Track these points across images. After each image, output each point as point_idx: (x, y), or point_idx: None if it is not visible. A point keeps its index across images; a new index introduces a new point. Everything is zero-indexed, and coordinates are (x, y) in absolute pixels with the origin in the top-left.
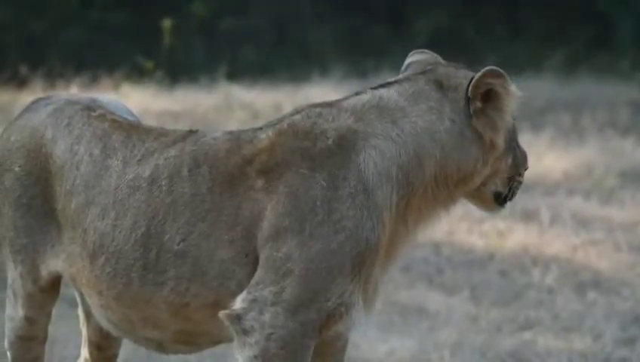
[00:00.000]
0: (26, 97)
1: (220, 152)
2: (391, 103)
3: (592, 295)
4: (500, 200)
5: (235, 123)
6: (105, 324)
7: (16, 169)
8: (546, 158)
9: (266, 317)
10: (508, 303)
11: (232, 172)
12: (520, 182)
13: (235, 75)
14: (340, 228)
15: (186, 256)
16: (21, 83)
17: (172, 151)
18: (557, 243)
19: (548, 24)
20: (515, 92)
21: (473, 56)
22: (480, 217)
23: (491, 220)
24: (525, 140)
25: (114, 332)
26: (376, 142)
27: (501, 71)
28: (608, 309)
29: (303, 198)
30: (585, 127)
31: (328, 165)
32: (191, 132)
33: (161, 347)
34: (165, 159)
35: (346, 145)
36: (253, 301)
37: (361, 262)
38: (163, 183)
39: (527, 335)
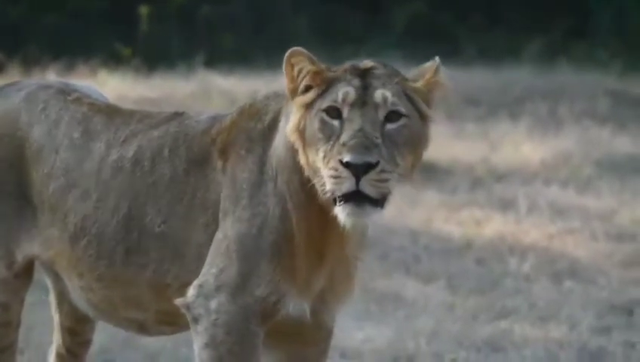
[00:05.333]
0: (1, 83)
1: (198, 133)
2: None
3: (568, 283)
4: (332, 199)
5: (212, 110)
6: (84, 307)
7: None
8: (524, 147)
9: (212, 303)
10: (484, 292)
11: (202, 152)
12: (333, 176)
13: (213, 62)
14: (257, 213)
15: (166, 238)
16: None
17: (156, 133)
18: (534, 231)
19: (526, 13)
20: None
21: (451, 46)
22: (457, 205)
23: (469, 208)
24: (503, 129)
25: (93, 314)
26: (282, 123)
27: (290, 53)
28: (585, 298)
29: (238, 181)
30: (563, 117)
31: (259, 147)
32: (176, 114)
33: (142, 328)
34: (149, 140)
35: (273, 128)
36: (200, 286)
37: (278, 251)
38: (145, 164)
39: (503, 324)
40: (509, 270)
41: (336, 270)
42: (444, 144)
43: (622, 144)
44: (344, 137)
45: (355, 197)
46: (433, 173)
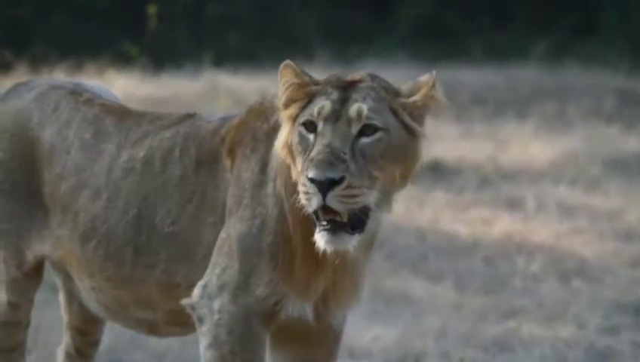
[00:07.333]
0: (10, 82)
1: (208, 133)
2: None
3: (576, 283)
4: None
5: (220, 110)
6: (95, 307)
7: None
8: (531, 147)
9: (215, 303)
10: (492, 291)
11: (212, 152)
12: (303, 192)
13: (221, 61)
14: (258, 213)
15: (176, 237)
16: (5, 68)
17: (167, 133)
18: (542, 231)
19: (533, 12)
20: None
21: (457, 45)
22: (465, 204)
23: (476, 208)
24: (510, 128)
25: (104, 314)
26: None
27: (281, 66)
28: (592, 297)
29: (242, 180)
30: (570, 116)
31: (263, 148)
32: (188, 115)
33: (153, 328)
34: (160, 140)
35: (278, 128)
36: (204, 287)
37: (277, 252)
38: (156, 164)
39: (511, 323)
40: (516, 269)
41: (339, 274)
42: (451, 143)
43: (630, 143)
44: (313, 152)
45: (329, 222)
46: (440, 173)
